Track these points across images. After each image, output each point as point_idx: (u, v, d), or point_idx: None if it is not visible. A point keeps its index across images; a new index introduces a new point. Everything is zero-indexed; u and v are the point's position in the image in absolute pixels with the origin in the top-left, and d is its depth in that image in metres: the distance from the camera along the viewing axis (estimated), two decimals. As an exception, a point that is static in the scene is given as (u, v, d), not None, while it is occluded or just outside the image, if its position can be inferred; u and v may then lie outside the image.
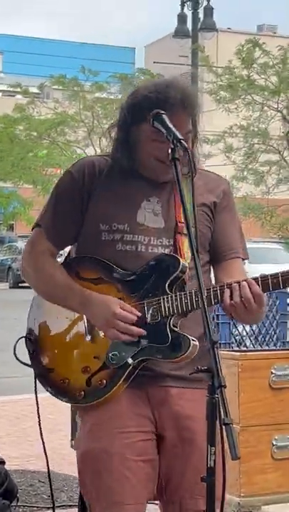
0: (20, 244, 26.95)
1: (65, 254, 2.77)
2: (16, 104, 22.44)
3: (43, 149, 21.98)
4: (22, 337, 2.74)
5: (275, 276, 2.47)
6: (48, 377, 2.66)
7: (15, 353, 2.74)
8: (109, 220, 2.58)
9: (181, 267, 2.51)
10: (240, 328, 4.81)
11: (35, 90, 23.82)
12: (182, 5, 20.86)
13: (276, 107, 18.21)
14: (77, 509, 2.94)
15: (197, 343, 2.49)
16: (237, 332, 4.82)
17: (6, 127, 21.77)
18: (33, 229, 2.74)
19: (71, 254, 2.72)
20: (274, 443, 4.33)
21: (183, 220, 2.56)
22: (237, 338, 4.83)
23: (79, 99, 21.60)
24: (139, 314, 2.51)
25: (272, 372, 4.31)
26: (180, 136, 2.40)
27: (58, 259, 2.72)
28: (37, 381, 2.72)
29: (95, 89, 21.89)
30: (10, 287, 26.94)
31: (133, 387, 2.53)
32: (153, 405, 2.57)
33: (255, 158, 18.62)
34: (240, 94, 18.00)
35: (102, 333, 2.57)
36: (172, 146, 2.41)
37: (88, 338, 2.58)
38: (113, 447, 2.53)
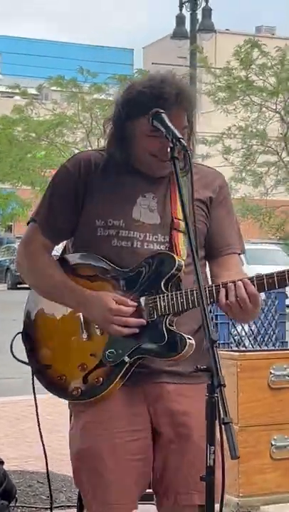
0: (19, 245, 26.89)
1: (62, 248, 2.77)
2: (14, 106, 22.45)
3: (42, 150, 21.99)
4: (19, 333, 2.74)
5: (270, 276, 2.47)
6: (46, 374, 2.67)
7: (12, 351, 2.74)
8: (105, 216, 2.58)
9: (176, 265, 2.52)
10: (239, 328, 4.81)
11: (33, 91, 23.82)
12: (180, 6, 20.88)
13: (274, 108, 18.22)
14: (75, 509, 2.95)
15: (193, 341, 2.50)
16: (236, 332, 4.82)
17: (5, 128, 21.77)
18: (28, 223, 2.73)
19: (67, 248, 2.72)
20: (273, 443, 4.32)
21: (180, 217, 2.57)
22: (236, 338, 4.83)
23: (77, 100, 21.60)
24: (135, 304, 2.52)
25: (271, 373, 4.30)
26: (179, 135, 2.41)
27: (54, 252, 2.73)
28: (35, 381, 2.72)
29: (93, 91, 21.89)
30: (8, 288, 26.92)
31: (129, 384, 2.54)
32: (149, 402, 2.57)
33: (254, 159, 18.63)
34: (239, 95, 18.00)
35: (98, 331, 2.57)
36: (171, 145, 2.41)
37: (85, 335, 2.59)
38: (108, 447, 2.54)
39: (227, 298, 2.47)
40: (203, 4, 20.73)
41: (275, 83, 17.84)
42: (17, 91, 23.29)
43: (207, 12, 20.81)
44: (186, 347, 2.48)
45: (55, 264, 2.66)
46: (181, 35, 21.14)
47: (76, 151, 22.93)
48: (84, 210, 2.61)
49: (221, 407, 2.18)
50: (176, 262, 2.51)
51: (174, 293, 2.50)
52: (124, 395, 2.55)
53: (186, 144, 2.41)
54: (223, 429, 2.17)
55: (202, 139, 18.10)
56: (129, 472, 2.54)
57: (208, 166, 2.78)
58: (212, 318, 4.64)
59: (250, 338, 4.84)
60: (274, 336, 4.92)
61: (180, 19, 21.08)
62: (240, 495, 4.23)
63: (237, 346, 4.81)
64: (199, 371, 2.26)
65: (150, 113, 2.46)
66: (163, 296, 2.50)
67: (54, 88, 23.56)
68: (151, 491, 2.67)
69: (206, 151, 17.80)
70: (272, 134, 18.60)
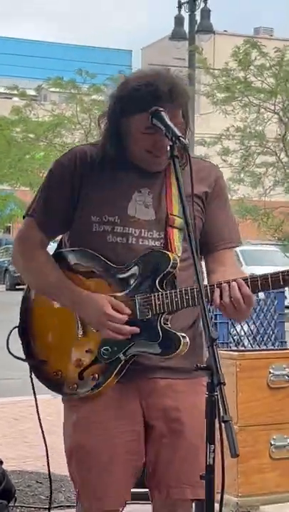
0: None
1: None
2: (13, 107, 22.42)
3: (40, 151, 21.97)
4: (15, 327, 2.74)
5: (264, 277, 2.48)
6: (42, 370, 2.68)
7: (8, 347, 2.74)
8: (100, 212, 2.58)
9: (171, 263, 2.52)
10: (238, 328, 4.81)
11: (32, 93, 23.81)
12: (179, 7, 20.86)
13: (273, 108, 18.22)
14: (74, 509, 2.94)
15: (188, 340, 2.51)
16: (235, 332, 4.82)
17: (3, 129, 21.74)
18: (24, 217, 2.73)
19: (64, 242, 2.72)
20: (272, 443, 4.32)
21: (175, 213, 2.57)
22: (235, 337, 4.83)
23: (76, 101, 21.59)
24: (129, 312, 2.53)
25: (270, 372, 4.30)
26: (179, 133, 2.41)
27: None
28: (33, 380, 2.73)
29: (92, 92, 21.88)
30: (7, 289, 26.91)
31: (123, 381, 2.56)
32: (142, 396, 2.59)
33: (252, 160, 18.63)
34: (237, 96, 18.00)
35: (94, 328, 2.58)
36: (171, 144, 2.41)
37: (80, 332, 2.59)
38: (99, 442, 2.56)
39: (221, 298, 2.48)
40: (202, 5, 20.74)
41: (273, 84, 17.83)
42: (15, 92, 23.29)
43: (206, 13, 20.79)
44: (181, 346, 2.50)
45: (52, 261, 2.66)
46: (180, 36, 21.12)
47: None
48: (79, 204, 2.61)
49: (220, 405, 2.18)
50: (171, 260, 2.52)
51: (168, 292, 2.51)
52: (117, 391, 2.57)
53: (186, 143, 2.41)
54: (222, 427, 2.17)
55: (201, 140, 18.11)
56: (119, 466, 2.57)
57: (203, 159, 2.80)
58: (211, 317, 4.64)
59: (250, 338, 4.84)
60: (273, 336, 4.92)
61: (179, 20, 21.06)
62: (240, 494, 4.23)
63: (236, 346, 4.81)
64: (199, 369, 2.27)
65: (149, 111, 2.47)
66: (158, 295, 2.51)
67: (53, 89, 23.57)
68: (147, 490, 2.69)
69: (205, 152, 17.78)
70: (270, 134, 18.59)
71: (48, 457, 2.86)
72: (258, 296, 4.73)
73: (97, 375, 2.56)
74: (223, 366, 2.25)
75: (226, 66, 18.19)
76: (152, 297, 2.52)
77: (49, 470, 2.92)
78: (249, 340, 4.82)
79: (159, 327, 2.51)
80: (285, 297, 5.30)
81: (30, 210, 2.68)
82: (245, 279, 2.49)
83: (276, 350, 4.85)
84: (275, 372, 4.32)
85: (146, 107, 2.48)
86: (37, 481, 4.84)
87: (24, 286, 2.82)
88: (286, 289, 2.88)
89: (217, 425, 2.20)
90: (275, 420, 4.33)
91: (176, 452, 2.58)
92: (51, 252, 2.71)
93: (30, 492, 4.70)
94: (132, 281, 2.55)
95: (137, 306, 2.53)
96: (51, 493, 3.13)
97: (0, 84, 33.06)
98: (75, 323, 2.60)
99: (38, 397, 2.77)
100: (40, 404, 2.79)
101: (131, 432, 2.59)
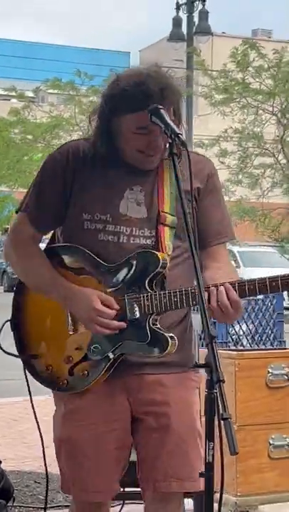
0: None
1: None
2: (11, 108, 22.41)
3: (39, 153, 21.93)
4: (7, 321, 2.75)
5: (251, 282, 2.48)
6: (34, 365, 2.69)
7: None
8: (92, 210, 2.59)
9: (161, 263, 2.53)
10: (236, 327, 4.81)
11: (30, 94, 23.79)
12: (177, 8, 20.87)
13: (271, 110, 18.22)
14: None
15: (176, 340, 2.53)
16: (234, 331, 4.81)
17: (2, 131, 21.72)
18: (16, 212, 2.73)
19: (56, 237, 2.72)
20: (271, 442, 4.32)
21: (166, 211, 2.58)
22: (234, 337, 4.82)
23: (74, 103, 21.59)
24: (118, 307, 2.54)
25: (269, 372, 4.30)
26: (178, 131, 2.42)
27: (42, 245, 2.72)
28: (30, 381, 2.74)
29: (90, 93, 21.87)
30: (5, 291, 26.86)
31: (112, 377, 2.58)
32: (129, 392, 2.61)
33: (250, 161, 18.62)
34: (235, 98, 18.00)
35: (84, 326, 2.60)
36: (170, 141, 2.42)
37: (71, 328, 2.61)
38: (87, 436, 2.59)
39: (209, 302, 2.48)
40: (200, 7, 20.74)
41: (271, 85, 17.84)
42: (14, 94, 23.27)
43: (204, 15, 20.80)
44: (169, 347, 2.52)
45: (44, 257, 2.66)
46: (178, 37, 21.12)
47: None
48: (72, 199, 2.62)
49: (220, 402, 2.19)
50: (160, 261, 2.53)
51: (157, 293, 2.52)
52: (105, 387, 2.60)
53: (184, 140, 2.42)
54: (222, 424, 2.17)
55: (199, 142, 18.10)
56: (106, 460, 2.60)
57: (197, 153, 2.79)
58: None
59: (248, 338, 4.84)
60: (272, 335, 4.91)
61: (177, 21, 21.06)
62: (238, 494, 4.23)
63: (235, 345, 4.81)
64: (198, 367, 2.28)
65: (148, 109, 2.47)
66: (147, 296, 2.52)
67: (51, 91, 23.54)
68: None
69: (203, 153, 17.77)
70: (268, 136, 18.59)
71: (44, 457, 2.87)
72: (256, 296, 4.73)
73: (86, 372, 2.59)
74: (222, 365, 2.25)
75: (224, 67, 18.18)
76: (141, 298, 2.53)
77: (46, 470, 2.94)
78: (248, 340, 4.82)
79: (147, 327, 2.53)
80: (284, 299, 5.30)
81: (23, 206, 2.69)
82: (232, 284, 2.49)
83: (275, 349, 4.84)
84: (274, 371, 4.32)
85: (137, 106, 2.49)
86: (35, 481, 4.87)
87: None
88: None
89: (216, 422, 2.20)
90: (274, 420, 4.32)
91: (164, 447, 2.60)
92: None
93: (28, 492, 4.73)
94: (121, 281, 2.57)
95: (127, 306, 2.54)
96: (47, 492, 3.13)
97: (-2, 85, 33.06)
98: (66, 319, 2.62)
99: (35, 397, 2.79)
100: (38, 405, 2.82)
101: (118, 427, 2.62)
